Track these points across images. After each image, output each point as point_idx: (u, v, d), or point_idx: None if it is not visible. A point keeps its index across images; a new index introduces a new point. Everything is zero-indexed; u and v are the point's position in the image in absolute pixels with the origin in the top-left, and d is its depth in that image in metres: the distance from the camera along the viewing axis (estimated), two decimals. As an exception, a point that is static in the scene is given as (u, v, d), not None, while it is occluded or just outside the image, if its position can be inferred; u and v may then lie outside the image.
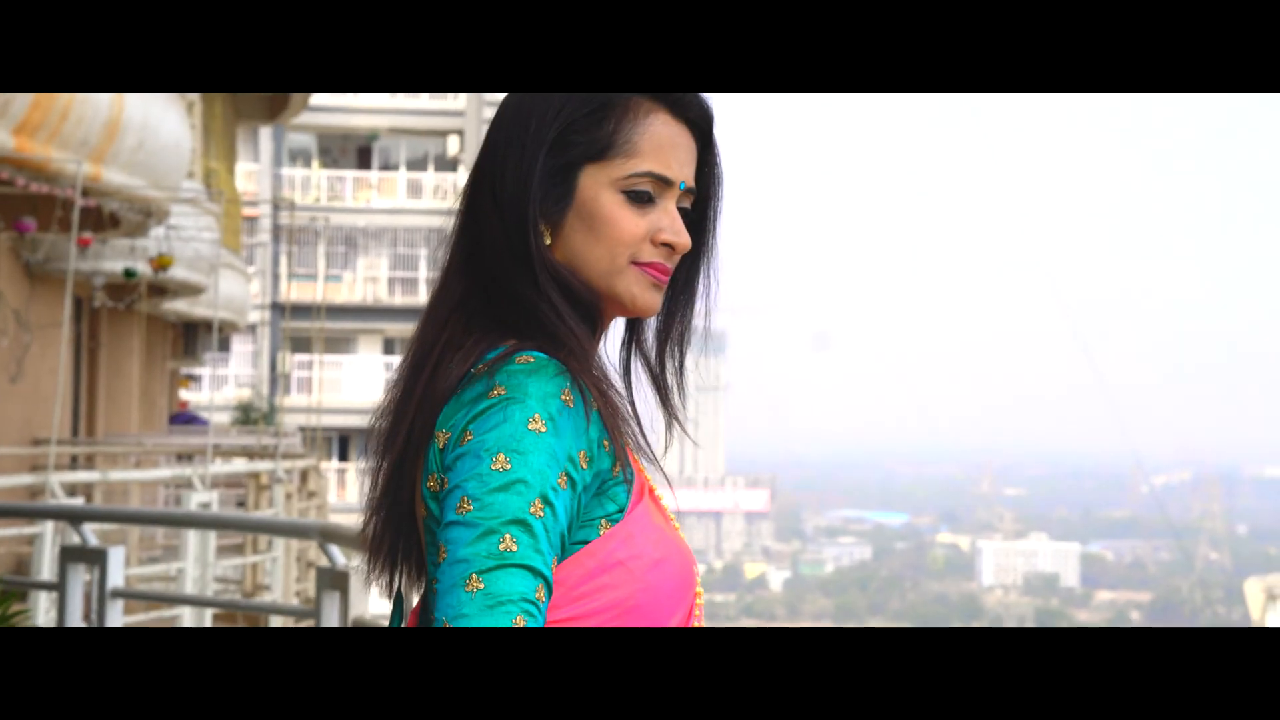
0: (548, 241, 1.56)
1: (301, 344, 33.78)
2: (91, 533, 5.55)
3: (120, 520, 7.45)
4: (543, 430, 1.45)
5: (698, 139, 1.62)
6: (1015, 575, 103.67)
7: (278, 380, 33.26)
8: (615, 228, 1.55)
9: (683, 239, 1.57)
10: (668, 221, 1.57)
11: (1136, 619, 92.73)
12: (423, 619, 1.53)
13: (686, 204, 1.61)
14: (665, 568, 1.52)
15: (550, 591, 1.45)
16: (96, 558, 5.37)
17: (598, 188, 1.56)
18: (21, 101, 7.56)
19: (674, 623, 1.52)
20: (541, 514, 1.44)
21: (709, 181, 1.64)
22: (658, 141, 1.57)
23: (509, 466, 1.44)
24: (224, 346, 29.34)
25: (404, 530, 1.58)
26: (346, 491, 33.38)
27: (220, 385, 33.62)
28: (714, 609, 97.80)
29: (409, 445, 1.54)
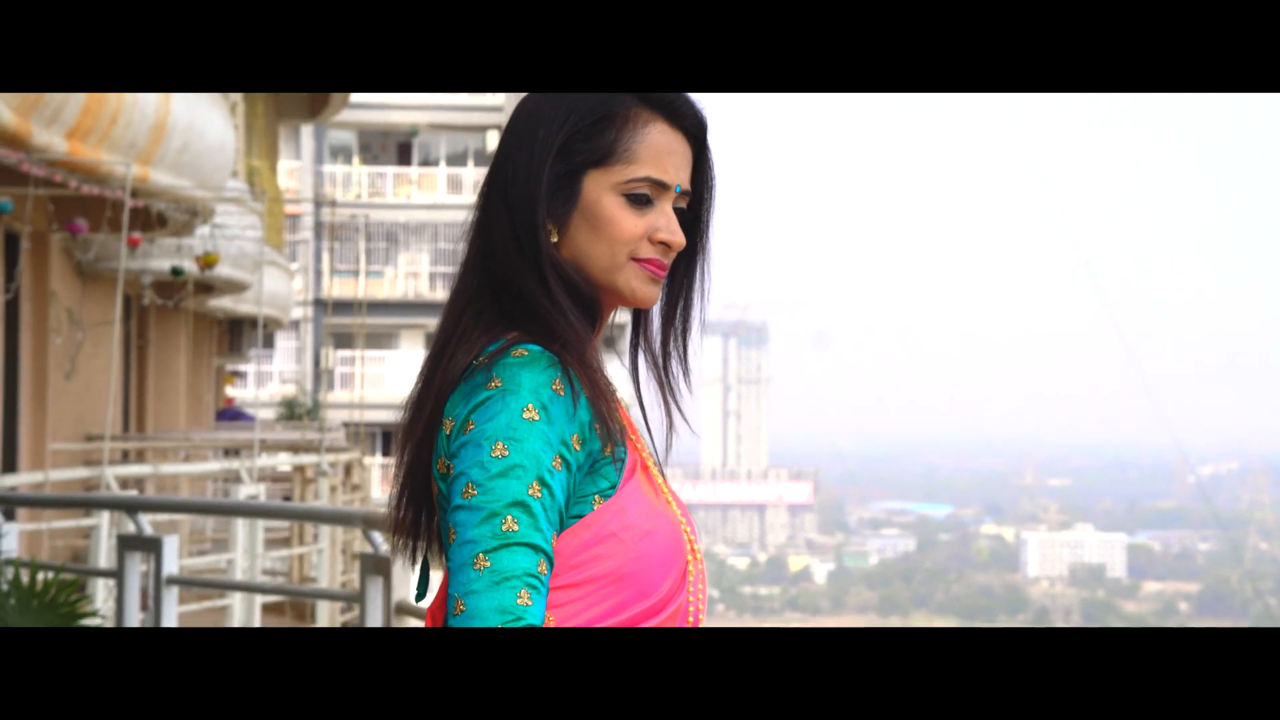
0: (555, 240, 1.71)
1: (343, 339, 34.06)
2: (147, 522, 5.77)
3: (174, 510, 7.67)
4: (536, 418, 1.60)
5: (693, 145, 1.77)
6: (1061, 566, 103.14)
7: (320, 376, 33.60)
8: (616, 227, 1.71)
9: (678, 237, 1.73)
10: (664, 221, 1.72)
11: (1185, 610, 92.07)
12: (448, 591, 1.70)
13: (682, 205, 1.76)
14: (655, 538, 1.66)
15: (551, 565, 1.60)
16: (152, 546, 5.58)
17: (600, 191, 1.71)
18: (73, 107, 7.78)
19: (665, 588, 1.67)
20: (539, 495, 1.59)
21: (703, 184, 1.80)
22: (655, 149, 1.72)
23: (507, 453, 1.59)
24: (268, 343, 29.66)
25: (424, 507, 1.75)
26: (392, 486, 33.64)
27: (264, 381, 33.97)
28: (759, 602, 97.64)
29: (426, 430, 1.71)
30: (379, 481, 33.17)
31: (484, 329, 1.69)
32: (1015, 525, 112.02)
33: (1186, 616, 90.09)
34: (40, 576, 5.12)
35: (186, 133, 9.27)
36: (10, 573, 5.15)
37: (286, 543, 11.27)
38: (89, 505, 7.15)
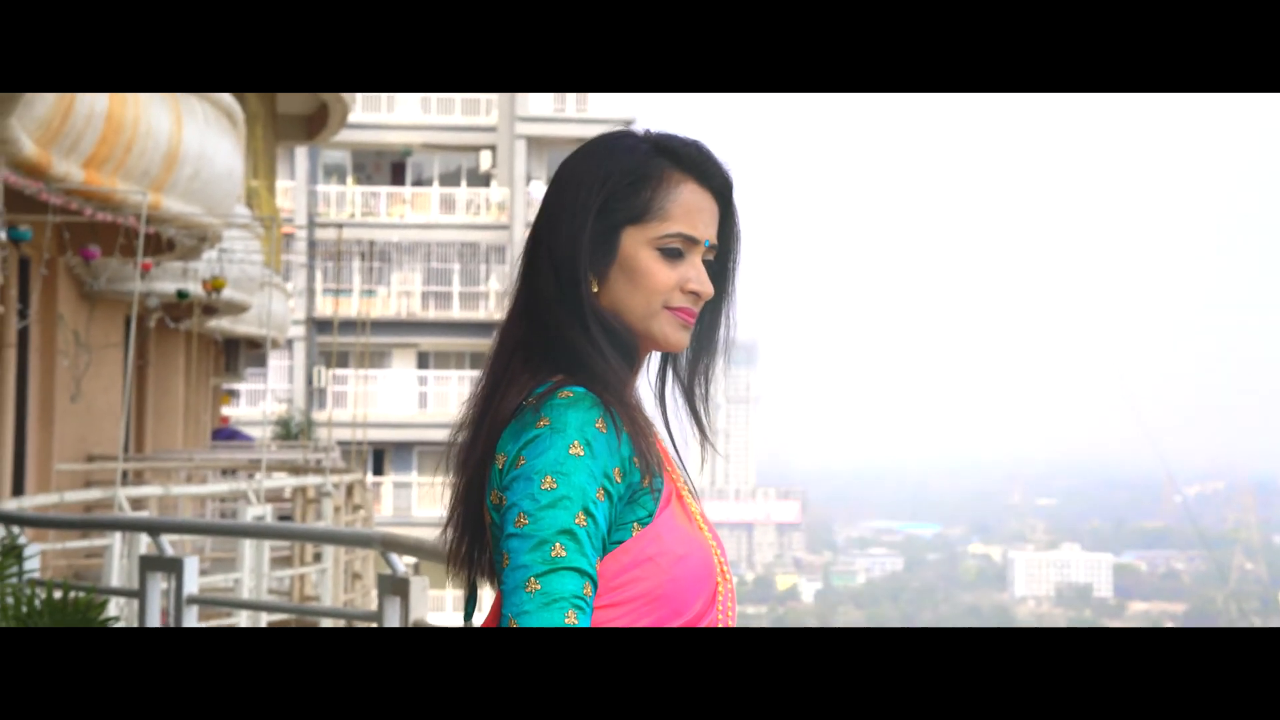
0: (595, 290, 1.90)
1: (335, 359, 34.15)
2: (168, 543, 5.94)
3: (196, 532, 7.85)
4: (581, 454, 1.77)
5: (720, 203, 1.97)
6: (1048, 586, 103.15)
7: (312, 395, 33.67)
8: (651, 279, 1.89)
9: (707, 288, 1.92)
10: (694, 273, 1.91)
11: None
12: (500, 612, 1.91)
13: (710, 257, 1.97)
14: (688, 562, 1.84)
15: (596, 587, 1.77)
16: (174, 566, 5.77)
17: (637, 246, 1.89)
18: (90, 137, 7.98)
19: (696, 607, 1.85)
20: (585, 524, 1.76)
21: (729, 238, 2.01)
22: (686, 207, 1.91)
23: (556, 486, 1.76)
24: (261, 362, 29.78)
25: (476, 535, 1.95)
26: (382, 505, 33.66)
27: (256, 400, 34.05)
28: (746, 621, 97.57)
29: (479, 465, 1.90)
30: (383, 500, 33.20)
31: (531, 372, 1.87)
32: (1002, 544, 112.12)
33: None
34: (70, 595, 5.29)
35: (197, 160, 9.47)
36: (41, 591, 5.33)
37: (288, 562, 11.42)
38: (113, 527, 7.33)
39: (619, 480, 1.81)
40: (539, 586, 1.74)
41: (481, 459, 1.88)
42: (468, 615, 2.02)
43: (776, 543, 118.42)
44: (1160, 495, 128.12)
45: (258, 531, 7.50)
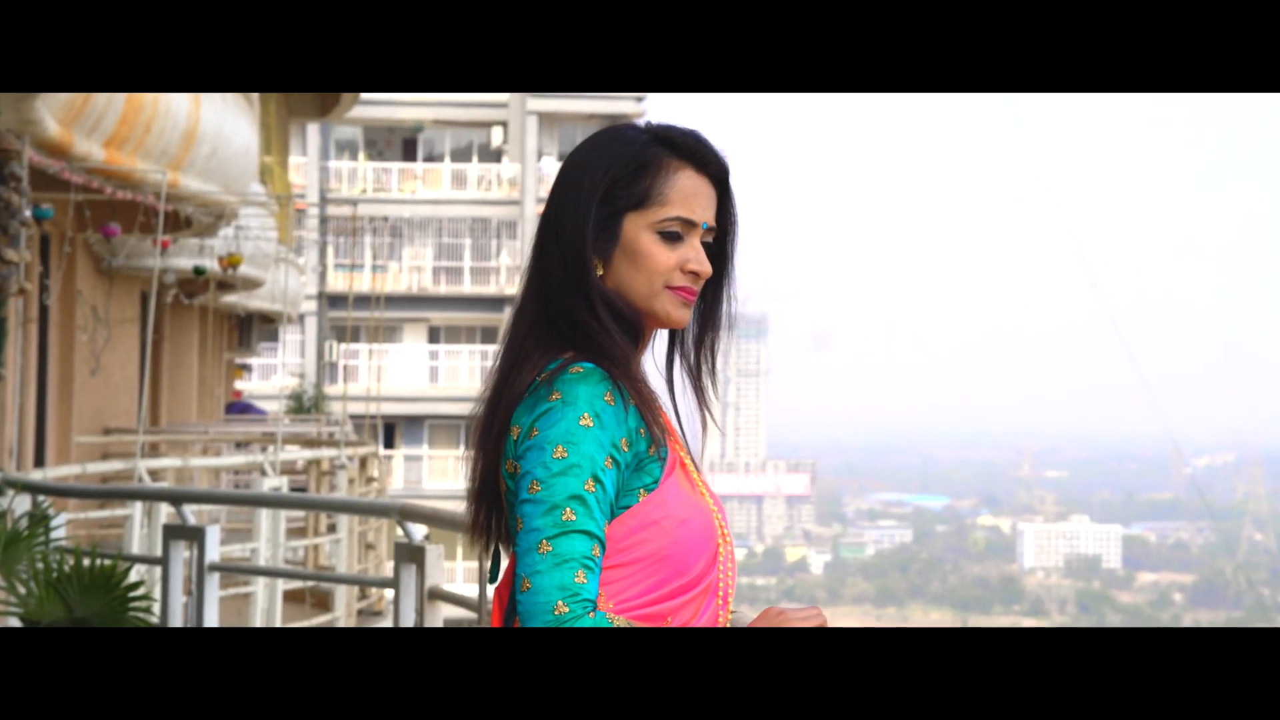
0: (600, 273, 2.03)
1: (346, 333, 34.30)
2: (190, 513, 6.16)
3: (220, 502, 8.07)
4: (591, 425, 1.90)
5: (717, 187, 2.12)
6: (1057, 557, 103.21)
7: (323, 369, 33.90)
8: (652, 261, 2.02)
9: (705, 268, 2.05)
10: (693, 254, 2.04)
11: (1179, 601, 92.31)
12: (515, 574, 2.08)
13: (709, 239, 2.11)
14: (691, 525, 1.98)
15: (604, 549, 1.90)
16: (196, 535, 5.98)
17: (638, 230, 2.02)
18: (111, 117, 8.16)
19: (699, 566, 1.98)
20: (594, 490, 1.89)
21: (727, 220, 2.15)
22: (684, 192, 2.04)
23: (566, 455, 1.89)
24: (273, 337, 29.98)
25: (494, 504, 2.12)
26: (393, 479, 33.87)
27: (268, 374, 34.26)
28: (755, 593, 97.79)
29: (497, 438, 2.06)
30: (394, 474, 33.35)
31: (543, 350, 2.02)
32: (1012, 516, 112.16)
33: (1181, 607, 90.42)
34: (97, 563, 5.50)
35: (215, 139, 9.65)
36: (70, 559, 5.54)
37: (302, 533, 11.64)
38: (139, 497, 7.56)
39: (626, 449, 1.94)
40: (550, 548, 1.87)
41: (499, 432, 2.03)
42: (492, 578, 2.17)
43: (786, 515, 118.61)
44: (1169, 467, 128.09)
45: (279, 501, 7.71)
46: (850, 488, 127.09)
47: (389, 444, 34.87)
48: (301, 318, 34.15)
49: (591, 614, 1.87)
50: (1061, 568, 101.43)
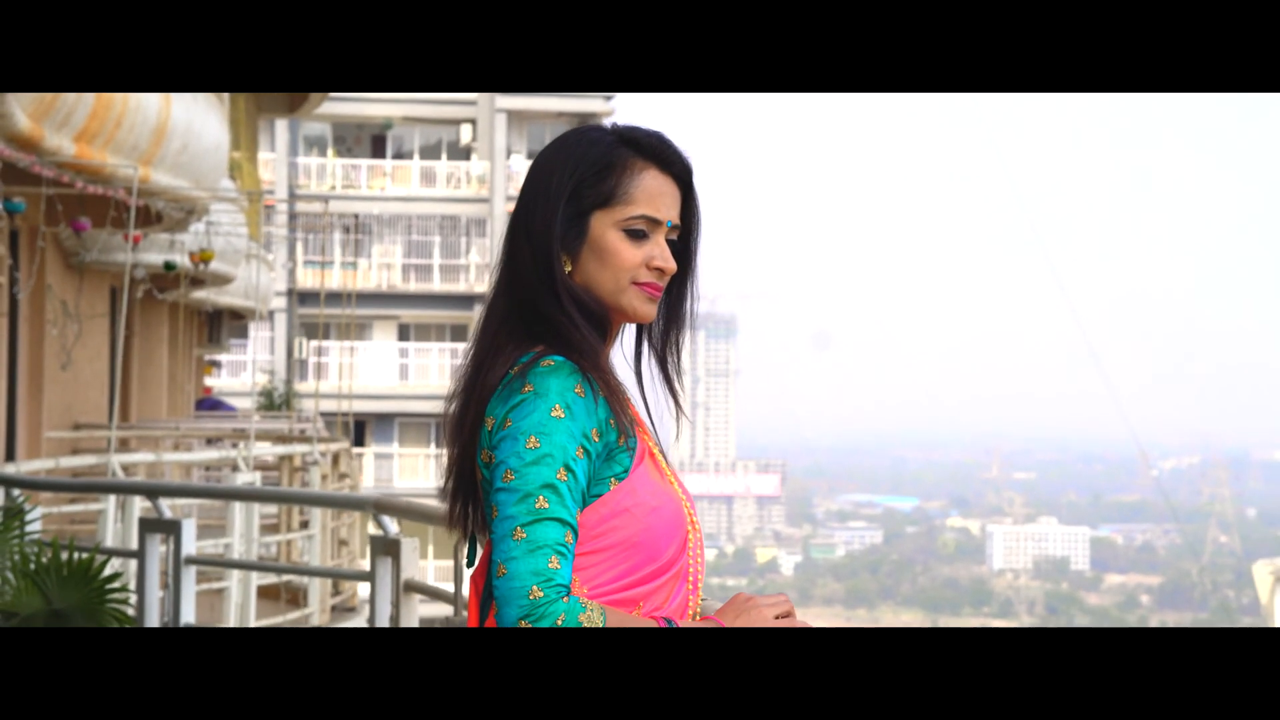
0: (569, 270, 2.10)
1: (316, 330, 34.22)
2: (167, 507, 6.16)
3: (197, 496, 8.07)
4: (562, 416, 1.97)
5: (681, 187, 2.18)
6: (1025, 559, 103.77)
7: (293, 366, 33.80)
8: (619, 258, 2.09)
9: (670, 264, 2.12)
10: (658, 251, 2.11)
11: (1146, 602, 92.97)
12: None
13: (674, 236, 2.18)
14: (661, 513, 2.05)
15: (576, 535, 1.96)
16: (172, 529, 5.99)
17: (604, 228, 2.09)
18: (82, 111, 8.15)
19: (669, 553, 2.05)
20: (566, 479, 1.95)
21: (691, 218, 2.21)
22: (649, 191, 2.11)
23: (539, 445, 1.96)
24: (243, 333, 29.89)
25: (470, 494, 2.17)
26: (364, 477, 33.82)
27: (238, 371, 34.15)
28: (726, 593, 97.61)
29: (471, 430, 2.12)
30: (365, 472, 33.28)
31: (515, 344, 2.09)
32: (981, 518, 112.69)
33: (1148, 609, 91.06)
34: (75, 556, 5.51)
35: (185, 135, 9.65)
36: (48, 552, 5.54)
37: (275, 529, 11.63)
38: (116, 490, 7.55)
39: (596, 439, 2.01)
40: (524, 535, 1.93)
41: (473, 424, 2.09)
42: (469, 563, 2.22)
43: (756, 515, 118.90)
44: (1135, 470, 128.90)
45: (256, 495, 7.73)
46: (820, 488, 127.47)
47: (359, 442, 34.81)
48: (271, 314, 34.06)
49: (565, 599, 1.91)
50: (1030, 569, 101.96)
